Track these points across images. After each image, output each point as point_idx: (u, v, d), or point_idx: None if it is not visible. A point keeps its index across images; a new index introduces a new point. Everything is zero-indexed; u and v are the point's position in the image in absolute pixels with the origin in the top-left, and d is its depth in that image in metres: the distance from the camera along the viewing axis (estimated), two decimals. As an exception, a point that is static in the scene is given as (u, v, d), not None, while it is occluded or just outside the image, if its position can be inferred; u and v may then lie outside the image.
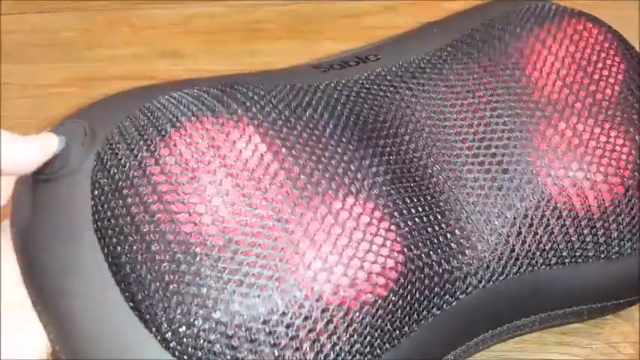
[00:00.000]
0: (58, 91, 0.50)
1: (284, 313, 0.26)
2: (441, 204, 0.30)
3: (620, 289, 0.34)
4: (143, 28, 0.53)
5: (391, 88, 0.33)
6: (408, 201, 0.29)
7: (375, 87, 0.33)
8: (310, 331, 0.26)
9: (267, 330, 0.26)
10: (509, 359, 0.37)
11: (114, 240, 0.27)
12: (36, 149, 0.28)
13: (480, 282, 0.30)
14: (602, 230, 0.32)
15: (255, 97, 0.30)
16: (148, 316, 0.26)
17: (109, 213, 0.27)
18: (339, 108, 0.31)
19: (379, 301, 0.28)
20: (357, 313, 0.27)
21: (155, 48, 0.52)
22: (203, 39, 0.53)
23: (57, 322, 0.27)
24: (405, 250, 0.28)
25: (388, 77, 0.33)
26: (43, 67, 0.51)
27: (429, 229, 0.30)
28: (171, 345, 0.26)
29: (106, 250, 0.27)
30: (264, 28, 0.53)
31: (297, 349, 0.26)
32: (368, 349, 0.28)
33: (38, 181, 0.28)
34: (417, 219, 0.29)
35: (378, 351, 0.28)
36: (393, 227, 0.28)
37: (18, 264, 0.28)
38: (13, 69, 0.50)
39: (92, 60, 0.51)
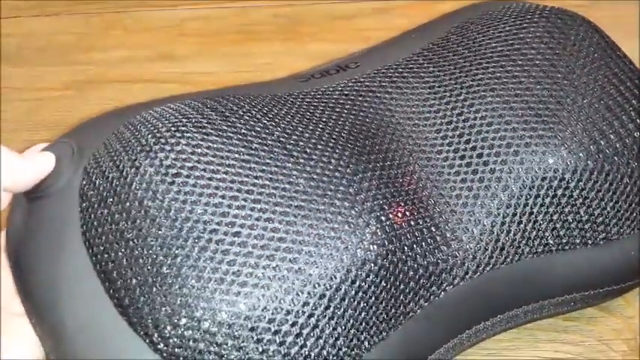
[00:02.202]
0: (55, 94, 0.50)
1: (265, 309, 0.26)
2: (423, 199, 0.31)
3: (610, 276, 0.34)
4: (138, 31, 0.54)
5: (370, 93, 0.33)
6: (389, 196, 0.30)
7: (354, 93, 0.33)
8: (292, 325, 0.26)
9: (249, 326, 0.26)
10: (503, 357, 0.37)
11: (101, 248, 0.27)
12: (34, 168, 0.29)
13: (466, 273, 0.31)
14: (585, 216, 0.32)
15: (235, 108, 0.31)
16: (135, 320, 0.26)
17: (95, 223, 0.28)
18: (317, 114, 0.32)
19: (360, 294, 0.28)
20: (338, 306, 0.27)
21: (151, 51, 0.52)
22: (198, 41, 0.53)
23: (50, 332, 0.28)
24: (386, 243, 0.28)
25: (367, 83, 0.34)
26: (39, 70, 0.51)
27: (411, 223, 0.30)
28: (160, 347, 0.26)
29: (94, 260, 0.27)
30: (258, 30, 0.54)
31: (280, 343, 0.26)
32: (354, 342, 0.28)
33: (29, 199, 0.29)
34: (398, 213, 0.30)
35: (367, 344, 0.28)
36: (373, 221, 0.29)
37: (13, 279, 0.29)
38: (10, 72, 0.51)
39: (88, 63, 0.52)
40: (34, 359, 0.29)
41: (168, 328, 0.26)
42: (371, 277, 0.28)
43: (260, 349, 0.26)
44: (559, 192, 0.31)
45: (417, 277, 0.29)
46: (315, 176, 0.29)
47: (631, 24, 0.52)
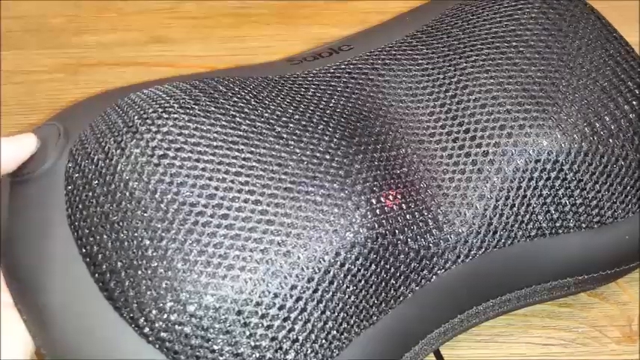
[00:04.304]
0: (47, 77, 0.49)
1: (252, 293, 0.26)
2: (415, 182, 0.30)
3: (605, 260, 0.34)
4: (131, 14, 0.53)
5: (362, 75, 0.33)
6: (380, 179, 0.29)
7: (346, 75, 0.33)
8: (280, 308, 0.26)
9: (236, 310, 0.26)
10: (496, 343, 0.37)
11: (86, 231, 0.27)
12: (15, 149, 0.29)
13: (458, 257, 0.30)
14: (579, 199, 0.31)
15: (223, 90, 0.30)
16: (121, 304, 0.26)
17: (80, 206, 0.27)
18: (308, 97, 0.31)
19: (349, 277, 0.27)
20: (327, 290, 0.27)
21: (144, 33, 0.52)
22: (192, 24, 0.52)
23: (35, 317, 0.27)
24: (376, 225, 0.28)
25: (359, 65, 0.33)
26: (31, 53, 0.51)
27: (402, 206, 0.29)
28: (145, 331, 0.26)
29: (79, 243, 0.27)
30: (253, 14, 0.53)
31: (268, 327, 0.26)
32: (343, 326, 0.27)
33: (14, 183, 0.29)
34: (389, 196, 0.29)
35: (356, 328, 0.28)
36: (363, 204, 0.28)
37: (1, 265, 0.29)
38: (1, 55, 0.50)
39: (80, 46, 0.51)
40: (24, 350, 0.28)
41: (154, 312, 0.26)
42: (360, 260, 0.27)
43: (247, 333, 0.26)
44: (553, 175, 0.31)
45: (408, 260, 0.29)
46: (304, 158, 0.28)
47: (630, 9, 0.51)
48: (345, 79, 0.33)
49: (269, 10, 0.53)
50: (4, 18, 0.53)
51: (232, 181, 0.27)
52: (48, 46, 0.51)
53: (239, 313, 0.26)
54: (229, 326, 0.26)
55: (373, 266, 0.28)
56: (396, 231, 0.29)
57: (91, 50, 0.51)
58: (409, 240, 0.29)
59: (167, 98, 0.29)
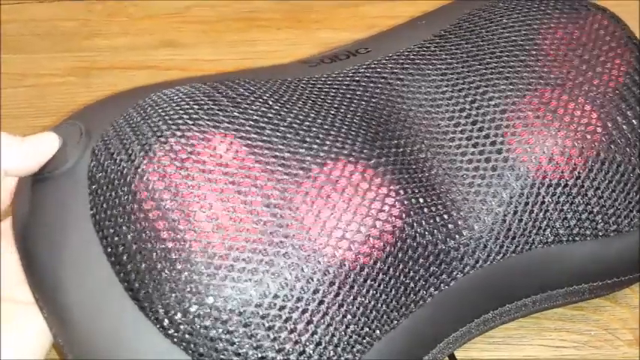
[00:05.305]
0: (57, 80, 0.49)
1: (276, 296, 0.26)
2: (435, 186, 0.31)
3: (620, 267, 0.34)
4: (142, 18, 0.53)
5: (381, 80, 0.33)
6: (398, 187, 0.29)
7: (365, 79, 0.33)
8: (303, 312, 0.26)
9: (260, 313, 0.26)
10: (509, 345, 0.37)
11: (110, 231, 0.27)
12: (36, 150, 0.29)
13: (477, 262, 0.30)
14: (597, 207, 0.32)
15: (246, 93, 0.30)
16: (146, 305, 0.26)
17: (104, 205, 0.27)
18: (328, 101, 0.32)
19: (369, 281, 0.28)
20: (348, 293, 0.27)
21: (154, 38, 0.52)
22: (202, 28, 0.53)
23: (58, 316, 0.27)
24: (396, 231, 0.28)
25: (378, 69, 0.34)
26: (41, 56, 0.51)
27: (424, 210, 0.30)
28: (170, 332, 0.26)
29: (104, 242, 0.27)
30: (263, 18, 0.53)
31: (291, 330, 0.26)
32: (365, 330, 0.28)
33: (36, 181, 0.29)
34: (411, 200, 0.29)
35: (378, 332, 0.28)
36: (383, 207, 0.28)
37: (20, 262, 0.29)
38: (12, 59, 0.50)
39: (91, 50, 0.51)
40: (36, 350, 0.28)
41: (179, 314, 0.26)
42: (380, 264, 0.28)
43: (272, 337, 0.26)
44: (570, 182, 0.31)
45: (428, 264, 0.29)
46: (328, 162, 0.29)
47: (630, 9, 0.51)
48: (364, 83, 0.33)
49: (279, 15, 0.53)
50: (15, 22, 0.53)
51: (255, 185, 0.27)
52: (60, 50, 0.51)
53: (264, 317, 0.26)
54: (254, 329, 0.26)
55: (393, 270, 0.28)
56: (417, 235, 0.29)
57: (102, 54, 0.51)
58: (429, 245, 0.29)
59: (190, 102, 0.29)
